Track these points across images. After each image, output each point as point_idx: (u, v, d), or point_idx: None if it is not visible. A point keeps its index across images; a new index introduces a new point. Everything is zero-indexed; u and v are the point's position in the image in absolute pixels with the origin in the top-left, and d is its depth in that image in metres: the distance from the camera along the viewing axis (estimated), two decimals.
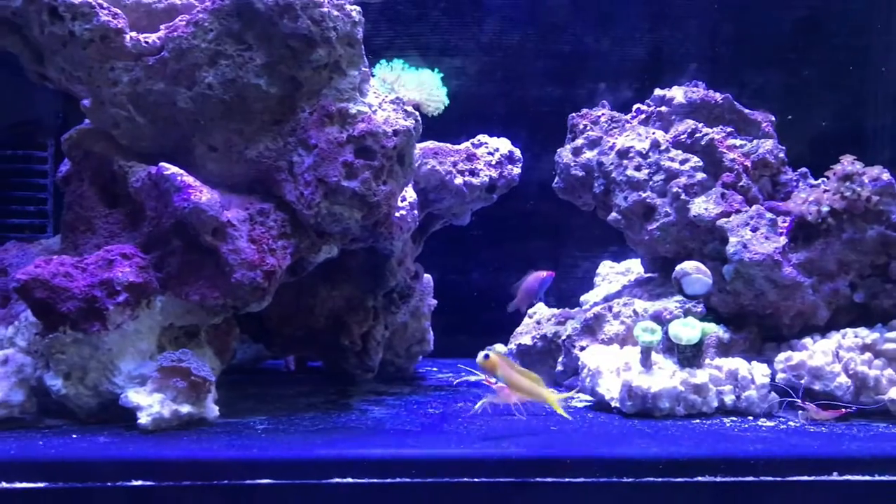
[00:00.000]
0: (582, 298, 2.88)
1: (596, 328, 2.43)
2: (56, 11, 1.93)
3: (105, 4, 1.94)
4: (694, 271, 2.25)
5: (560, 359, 2.52)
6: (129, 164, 2.02)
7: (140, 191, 1.96)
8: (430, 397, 2.35)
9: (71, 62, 1.98)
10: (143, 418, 1.82)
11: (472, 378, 2.72)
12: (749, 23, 2.87)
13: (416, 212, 2.25)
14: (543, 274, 2.39)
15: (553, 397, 1.93)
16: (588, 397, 2.29)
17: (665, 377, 2.11)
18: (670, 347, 2.20)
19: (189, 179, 1.88)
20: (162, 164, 1.89)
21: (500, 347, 3.17)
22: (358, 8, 1.99)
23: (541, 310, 2.76)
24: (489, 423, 2.01)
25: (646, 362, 2.15)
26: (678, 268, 2.30)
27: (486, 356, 1.91)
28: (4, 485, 1.59)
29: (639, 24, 2.92)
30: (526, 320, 2.77)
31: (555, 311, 2.72)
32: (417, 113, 2.04)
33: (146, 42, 1.97)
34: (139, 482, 1.61)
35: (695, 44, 2.86)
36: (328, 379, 2.61)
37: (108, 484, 1.61)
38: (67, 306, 1.81)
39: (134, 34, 1.96)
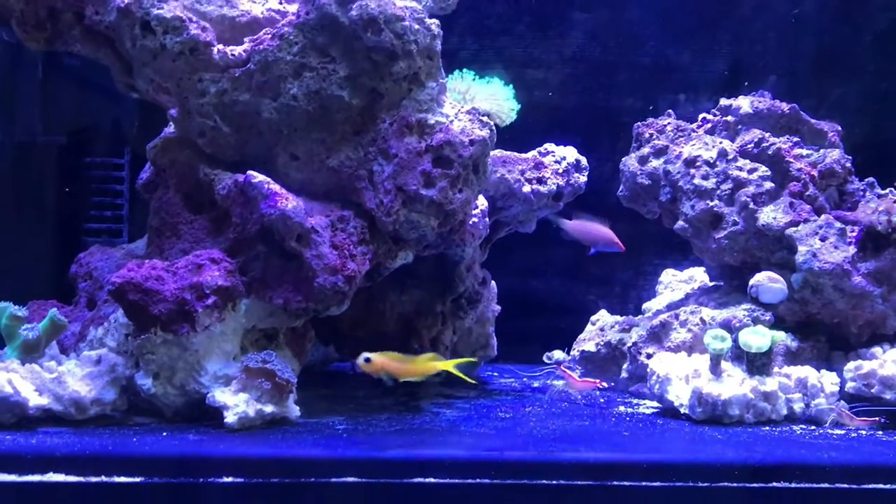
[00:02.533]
0: (644, 306, 2.91)
1: (662, 336, 2.46)
2: (148, 25, 2.02)
3: (194, 18, 2.03)
4: (769, 280, 2.28)
5: (625, 365, 2.56)
6: (214, 172, 2.10)
7: (226, 198, 2.05)
8: (498, 401, 2.40)
9: (161, 73, 2.07)
10: (230, 417, 1.89)
11: (536, 384, 2.79)
12: (828, 35, 2.89)
13: (487, 219, 2.31)
14: (613, 241, 2.35)
15: (449, 363, 2.00)
16: (655, 404, 2.33)
17: (735, 384, 2.14)
18: (739, 355, 2.23)
19: (275, 187, 1.96)
20: (250, 172, 1.97)
21: (558, 354, 3.23)
22: (437, 21, 2.06)
23: (604, 317, 2.80)
24: (562, 427, 2.05)
25: (715, 370, 2.18)
26: (753, 281, 2.33)
27: (367, 359, 1.98)
28: (104, 479, 1.67)
29: (719, 38, 2.96)
30: (589, 327, 2.82)
31: (618, 318, 2.76)
32: (492, 123, 2.09)
33: (232, 54, 2.05)
34: (230, 479, 1.68)
35: (774, 57, 2.90)
36: (395, 382, 2.67)
37: (201, 480, 1.68)
38: (159, 308, 1.89)
39: (221, 47, 2.05)
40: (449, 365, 1.99)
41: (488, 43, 2.83)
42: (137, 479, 1.67)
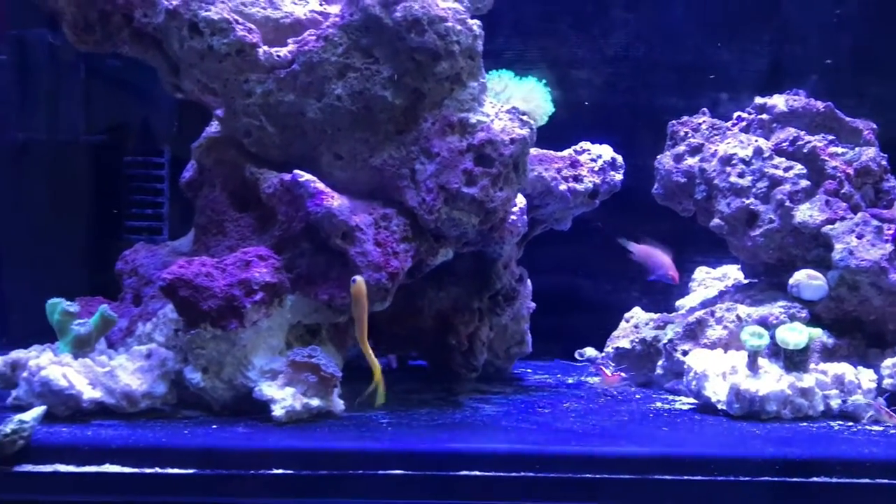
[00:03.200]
0: (678, 303, 2.93)
1: (698, 332, 2.48)
2: (196, 27, 2.07)
3: (240, 20, 2.08)
4: (809, 277, 2.30)
5: (660, 362, 2.58)
6: (259, 171, 2.15)
7: (272, 196, 2.09)
8: (535, 397, 2.43)
9: (207, 74, 2.12)
10: (277, 410, 1.94)
11: (571, 380, 2.82)
12: (869, 35, 2.90)
13: (525, 217, 2.34)
14: (671, 273, 2.37)
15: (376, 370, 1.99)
16: (692, 400, 2.35)
17: (772, 380, 2.16)
18: (776, 352, 2.25)
19: (321, 186, 2.00)
20: (296, 171, 2.02)
21: (590, 351, 3.25)
22: (478, 22, 2.09)
23: (638, 314, 2.82)
24: (601, 422, 2.08)
25: (753, 366, 2.20)
26: (792, 280, 2.35)
27: (354, 280, 1.95)
28: (158, 470, 1.72)
29: (761, 37, 2.98)
30: (623, 324, 2.84)
31: (652, 315, 2.78)
32: (534, 122, 2.12)
33: (278, 56, 2.10)
34: (280, 471, 1.72)
35: (815, 55, 2.91)
36: (430, 377, 2.71)
37: (252, 472, 1.72)
38: (209, 304, 1.93)
39: (266, 48, 2.09)
40: (376, 371, 2.00)
41: (532, 43, 2.86)
42: (191, 471, 1.71)
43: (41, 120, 2.89)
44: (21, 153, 2.88)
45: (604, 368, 2.68)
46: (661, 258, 2.24)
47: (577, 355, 3.23)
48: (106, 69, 2.89)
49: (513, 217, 2.29)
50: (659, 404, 2.36)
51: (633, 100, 2.90)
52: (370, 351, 1.98)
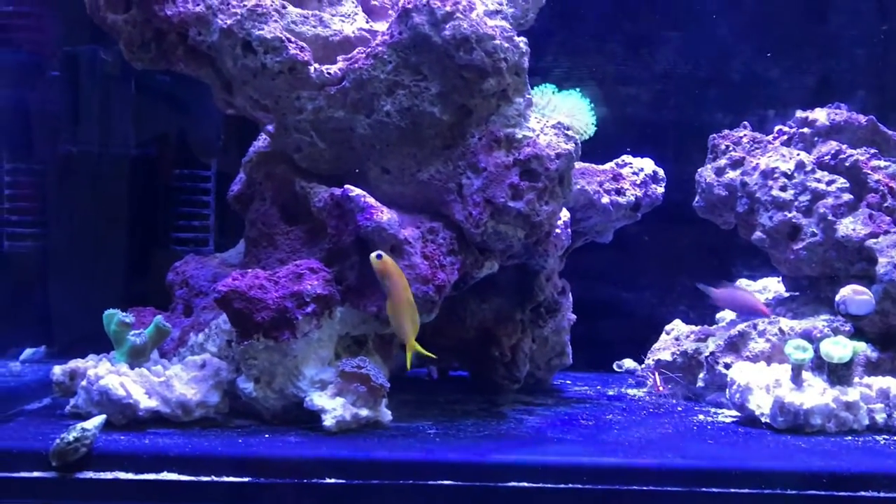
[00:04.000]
0: (718, 315, 2.94)
1: (740, 345, 2.49)
2: (250, 45, 2.13)
3: (292, 39, 2.13)
4: (855, 293, 2.30)
5: (701, 375, 2.59)
6: (309, 186, 2.20)
7: (322, 210, 2.14)
8: (577, 409, 2.45)
9: (260, 91, 2.17)
10: (328, 420, 1.98)
11: (611, 392, 2.83)
12: None
13: (569, 230, 2.37)
14: (761, 309, 2.31)
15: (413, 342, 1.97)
16: (734, 413, 2.36)
17: (816, 394, 2.17)
18: (820, 365, 2.26)
19: (371, 200, 2.05)
20: (347, 186, 2.06)
21: (628, 363, 3.26)
22: (524, 39, 2.13)
23: (678, 326, 2.83)
24: (646, 435, 2.10)
25: (797, 379, 2.21)
26: (839, 296, 2.35)
27: (379, 256, 1.94)
28: (214, 478, 1.76)
29: (808, 53, 3.00)
30: (663, 336, 2.85)
31: (693, 327, 2.79)
32: (577, 136, 2.15)
33: (328, 73, 2.15)
34: (333, 480, 1.76)
35: (863, 72, 2.92)
36: (472, 388, 2.74)
37: (306, 481, 1.76)
38: (262, 316, 1.98)
39: (317, 66, 2.14)
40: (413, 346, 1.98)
41: (580, 61, 2.90)
42: (246, 479, 1.76)
43: (92, 133, 2.95)
44: (73, 165, 2.95)
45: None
46: (744, 299, 2.25)
47: (615, 366, 3.23)
48: (155, 84, 2.96)
49: (557, 230, 2.32)
50: (702, 417, 2.37)
51: (680, 116, 2.91)
52: (409, 327, 1.96)
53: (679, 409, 2.50)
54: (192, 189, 3.03)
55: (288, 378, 2.05)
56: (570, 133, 2.15)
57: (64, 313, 3.01)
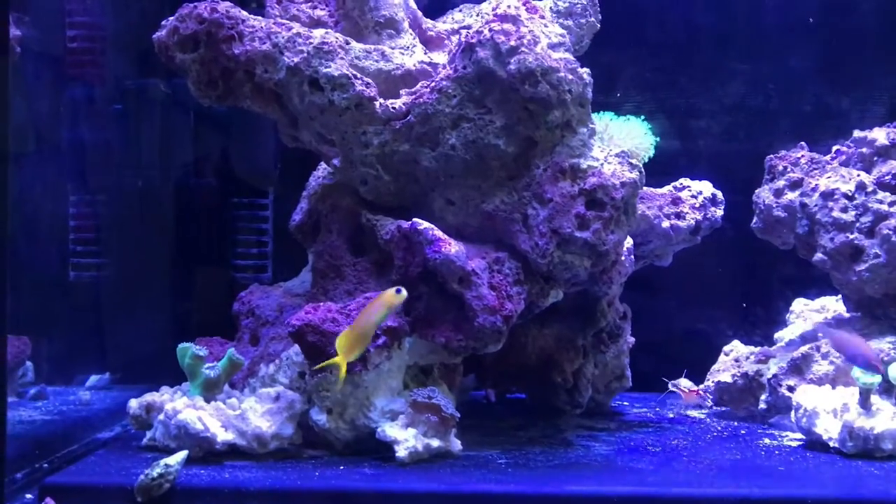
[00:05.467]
0: (776, 336, 2.93)
1: (804, 368, 2.49)
2: (317, 83, 2.17)
3: (358, 75, 2.17)
4: None
5: (763, 397, 2.59)
6: (375, 218, 2.23)
7: (389, 242, 2.17)
8: (641, 434, 2.46)
9: (327, 127, 2.21)
10: (401, 451, 2.01)
11: (671, 414, 2.84)
12: None
13: (632, 257, 2.38)
14: (873, 361, 2.25)
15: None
16: (799, 436, 2.36)
17: (887, 418, 2.16)
18: (888, 388, 2.25)
19: (439, 233, 2.08)
20: (415, 219, 2.10)
21: (684, 382, 3.25)
22: (588, 70, 2.15)
23: (737, 347, 2.83)
24: (716, 460, 2.11)
25: (865, 403, 2.20)
26: None
27: (399, 290, 1.96)
28: None
29: (878, 83, 2.99)
30: (722, 357, 2.85)
31: (753, 349, 2.78)
32: (641, 165, 2.17)
33: (393, 108, 2.18)
34: None
35: None
36: (532, 412, 2.76)
37: None
38: (334, 349, 2.02)
39: (383, 101, 2.18)
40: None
41: (650, 95, 2.92)
42: None
43: (153, 164, 3.01)
44: (133, 197, 3.01)
45: (681, 388, 2.69)
46: (858, 347, 2.23)
47: (670, 386, 3.23)
48: (213, 114, 3.00)
49: (621, 257, 2.34)
50: (767, 441, 2.37)
51: (751, 147, 2.91)
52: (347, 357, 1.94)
53: (742, 432, 2.50)
54: (251, 217, 3.07)
55: (359, 409, 2.08)
56: (633, 161, 2.16)
57: (127, 341, 3.05)
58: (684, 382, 3.23)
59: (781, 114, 2.99)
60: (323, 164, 2.51)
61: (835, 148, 2.68)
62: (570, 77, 2.10)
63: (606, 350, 2.55)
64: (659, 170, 2.40)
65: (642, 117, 2.48)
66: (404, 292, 1.98)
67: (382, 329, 2.06)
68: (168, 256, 3.06)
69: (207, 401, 2.10)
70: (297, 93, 2.20)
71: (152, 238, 3.05)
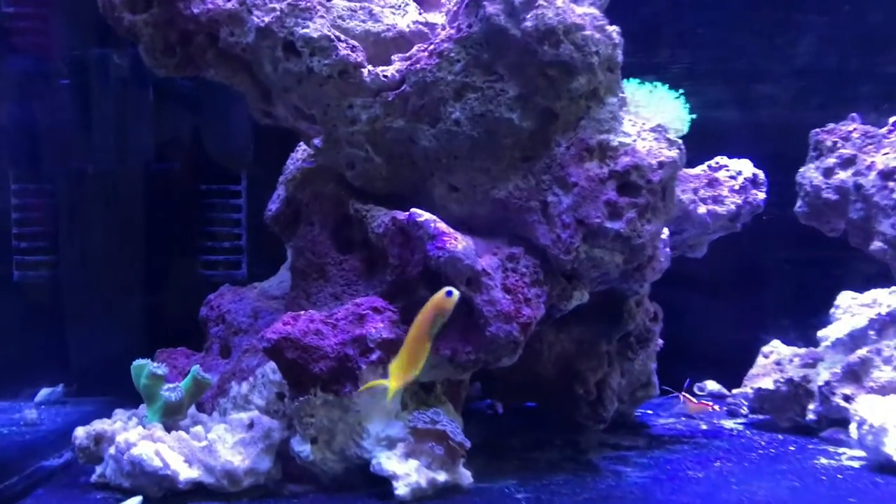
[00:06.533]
0: (820, 334, 2.63)
1: (861, 374, 2.21)
2: (293, 47, 1.86)
3: (342, 37, 1.87)
4: None
5: (811, 406, 2.32)
6: (365, 208, 1.94)
7: (382, 236, 1.88)
8: (676, 454, 2.18)
9: (305, 100, 1.91)
10: (401, 489, 1.72)
11: (704, 426, 2.56)
12: None
13: (668, 250, 2.09)
14: None
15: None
16: (859, 453, 2.09)
17: None
18: None
19: (442, 226, 1.78)
20: (414, 210, 1.80)
21: (711, 384, 2.99)
22: (617, 28, 1.84)
23: (778, 348, 2.56)
24: (771, 490, 1.84)
25: None
26: None
27: (450, 293, 1.68)
28: None
29: None
30: (761, 360, 2.58)
31: (797, 350, 2.51)
32: (680, 141, 1.87)
33: (385, 76, 1.88)
34: None
35: None
36: (544, 425, 2.47)
37: None
38: (319, 367, 1.73)
39: (372, 68, 1.88)
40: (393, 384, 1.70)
41: (703, 54, 2.54)
42: None
43: (108, 147, 2.71)
44: (87, 184, 2.71)
45: (688, 396, 2.52)
46: None
47: (696, 389, 2.99)
48: (176, 90, 2.70)
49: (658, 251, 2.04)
50: (824, 460, 2.10)
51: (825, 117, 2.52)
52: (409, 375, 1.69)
53: (792, 448, 2.23)
54: (222, 206, 2.78)
55: (350, 437, 1.80)
56: (671, 137, 1.86)
57: (82, 348, 2.79)
58: (711, 385, 2.99)
59: (861, 77, 2.62)
60: (303, 145, 2.20)
61: (892, 119, 2.39)
62: (598, 36, 1.80)
63: (634, 357, 2.26)
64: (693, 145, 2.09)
65: (679, 92, 2.17)
66: (456, 293, 1.68)
67: (376, 342, 1.76)
68: (128, 252, 2.78)
69: (168, 429, 1.82)
70: (269, 59, 1.89)
71: (110, 232, 2.78)
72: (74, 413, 2.61)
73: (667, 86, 2.15)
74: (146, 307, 2.79)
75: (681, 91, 2.13)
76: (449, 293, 1.68)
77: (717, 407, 2.56)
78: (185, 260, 2.79)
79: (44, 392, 2.71)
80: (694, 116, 2.09)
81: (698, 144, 1.96)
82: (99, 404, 2.65)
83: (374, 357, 1.76)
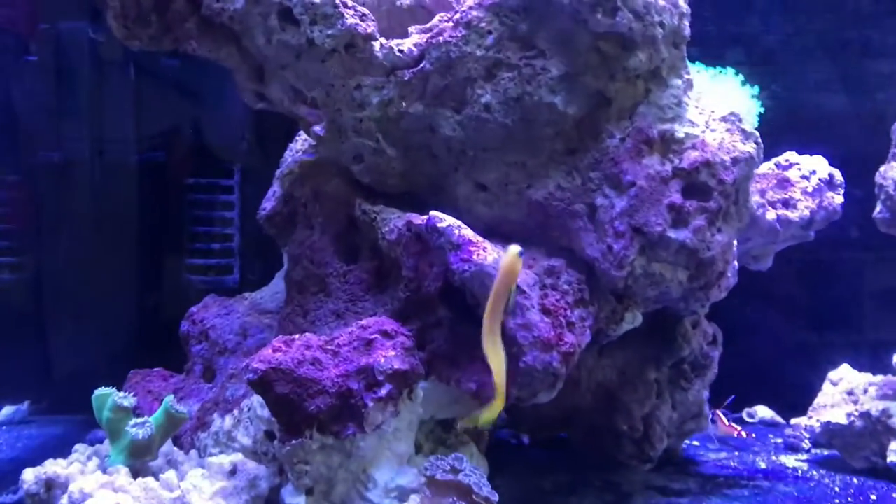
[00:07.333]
0: None
1: None
2: (289, 14, 1.60)
3: (350, 3, 1.58)
4: None
5: (894, 446, 2.02)
6: (375, 209, 1.66)
7: (395, 244, 1.60)
8: (732, 498, 1.90)
9: (304, 79, 1.65)
10: None
11: (761, 462, 2.28)
12: None
13: (736, 263, 1.79)
14: None
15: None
16: None
17: None
18: None
19: (468, 233, 1.51)
20: (434, 213, 1.53)
21: (762, 411, 2.73)
22: None
23: (849, 376, 2.26)
24: None
25: None
26: None
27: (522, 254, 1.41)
28: None
29: None
30: (828, 388, 2.28)
31: (871, 377, 2.22)
32: (757, 133, 1.58)
33: (400, 51, 1.61)
34: None
35: None
36: (578, 463, 2.19)
37: None
38: (316, 404, 1.46)
39: (384, 41, 1.61)
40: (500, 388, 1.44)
41: (804, 25, 2.20)
42: None
43: (82, 135, 2.46)
44: (58, 176, 2.46)
45: (720, 416, 2.26)
46: None
47: (745, 415, 2.73)
48: (161, 70, 2.44)
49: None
50: None
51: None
52: (495, 357, 1.43)
53: (873, 497, 1.94)
54: (211, 203, 2.52)
55: (352, 486, 1.56)
56: (746, 127, 1.57)
57: (52, 360, 2.60)
58: (762, 411, 2.75)
59: None
60: (303, 133, 1.93)
61: None
62: (662, 3, 1.53)
63: (689, 387, 1.97)
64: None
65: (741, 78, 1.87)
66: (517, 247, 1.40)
67: (386, 373, 1.47)
68: (104, 254, 2.59)
69: (135, 473, 1.57)
70: (261, 29, 1.64)
71: (83, 231, 2.56)
72: (39, 436, 2.39)
73: (733, 71, 1.86)
74: (125, 317, 2.60)
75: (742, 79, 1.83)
76: (521, 253, 1.40)
77: (745, 433, 2.29)
78: (169, 263, 2.58)
79: (6, 411, 2.50)
80: (762, 110, 1.81)
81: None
82: (69, 425, 2.47)
83: (382, 392, 1.48)
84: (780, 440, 2.46)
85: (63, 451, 1.82)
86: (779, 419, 2.69)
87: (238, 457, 1.56)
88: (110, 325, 2.56)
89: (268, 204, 2.04)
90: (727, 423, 2.32)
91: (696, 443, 2.49)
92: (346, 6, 1.58)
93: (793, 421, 2.51)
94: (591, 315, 1.59)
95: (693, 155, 1.53)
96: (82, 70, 2.43)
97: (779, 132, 1.63)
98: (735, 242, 1.81)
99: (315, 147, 1.80)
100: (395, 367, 1.49)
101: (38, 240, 2.49)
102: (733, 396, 2.31)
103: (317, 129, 1.71)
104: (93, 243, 2.53)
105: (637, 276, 1.56)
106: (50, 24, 2.38)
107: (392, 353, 1.50)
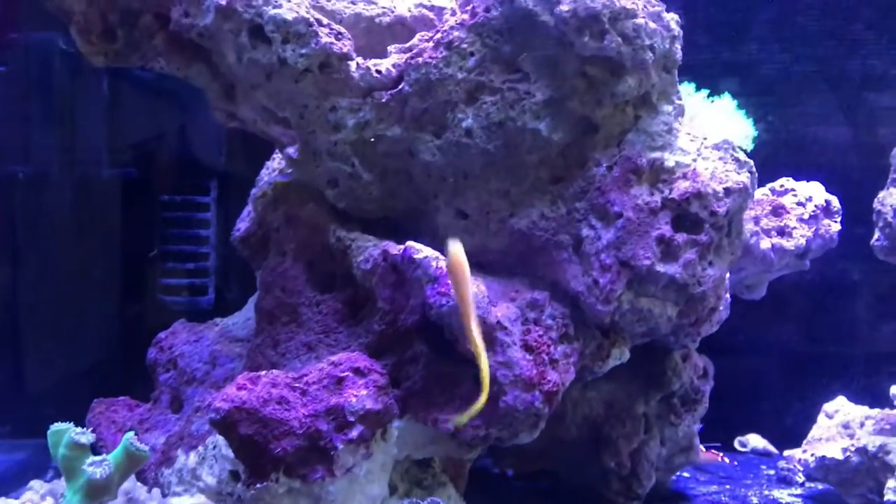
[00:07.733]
0: (895, 391, 2.30)
1: None
2: (261, 31, 1.54)
3: (325, 21, 1.53)
4: None
5: (892, 484, 1.96)
6: (350, 237, 1.60)
7: (370, 274, 1.54)
8: None
9: (276, 99, 1.59)
10: None
11: (753, 497, 2.22)
12: None
13: (728, 295, 1.73)
14: None
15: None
16: None
17: None
18: None
19: (446, 265, 1.43)
20: (410, 244, 1.48)
21: (754, 440, 2.68)
22: (676, 16, 1.50)
23: (845, 408, 2.20)
24: None
25: None
26: None
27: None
28: None
29: None
30: (823, 420, 2.22)
31: (868, 410, 2.16)
32: (751, 162, 1.52)
33: (378, 71, 1.55)
34: None
35: None
36: (563, 498, 2.13)
37: None
38: (282, 446, 1.40)
39: (361, 61, 1.54)
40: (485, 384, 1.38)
41: (802, 52, 2.14)
42: None
43: (48, 148, 2.39)
44: (26, 190, 2.38)
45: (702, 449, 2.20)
46: None
47: (737, 445, 2.68)
48: (135, 82, 2.39)
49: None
50: None
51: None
52: (482, 351, 1.38)
53: None
54: (186, 220, 2.45)
55: None
56: (740, 156, 1.52)
57: (17, 382, 2.48)
58: (754, 440, 2.71)
59: None
60: (281, 157, 1.87)
61: None
62: (653, 26, 1.47)
63: (678, 422, 1.91)
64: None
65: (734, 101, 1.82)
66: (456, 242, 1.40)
67: (358, 414, 1.41)
68: (72, 273, 2.47)
69: None
70: (232, 47, 1.58)
71: (50, 248, 2.46)
72: (2, 463, 2.29)
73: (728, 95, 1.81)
74: (93, 338, 2.49)
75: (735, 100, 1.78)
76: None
77: (727, 459, 2.29)
78: (141, 283, 2.48)
79: None
80: (756, 133, 1.75)
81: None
82: (36, 450, 2.36)
83: (353, 433, 1.41)
84: (772, 472, 2.41)
85: (24, 478, 1.76)
86: (772, 448, 2.63)
87: (201, 499, 1.49)
88: (78, 347, 2.48)
89: (242, 225, 1.98)
90: (704, 450, 2.27)
91: (686, 474, 2.43)
92: (320, 24, 1.52)
93: (786, 452, 2.46)
94: (576, 351, 1.53)
95: (683, 185, 1.47)
96: (51, 81, 2.36)
97: (774, 163, 1.57)
98: (727, 275, 1.75)
99: (289, 168, 1.74)
100: (368, 407, 1.42)
101: (3, 258, 2.42)
102: (702, 426, 2.26)
103: (290, 150, 1.65)
104: (62, 260, 2.45)
105: (624, 312, 1.50)
106: (19, 34, 2.31)
107: (364, 391, 1.43)
